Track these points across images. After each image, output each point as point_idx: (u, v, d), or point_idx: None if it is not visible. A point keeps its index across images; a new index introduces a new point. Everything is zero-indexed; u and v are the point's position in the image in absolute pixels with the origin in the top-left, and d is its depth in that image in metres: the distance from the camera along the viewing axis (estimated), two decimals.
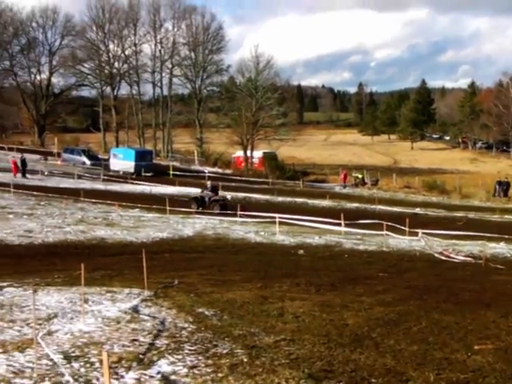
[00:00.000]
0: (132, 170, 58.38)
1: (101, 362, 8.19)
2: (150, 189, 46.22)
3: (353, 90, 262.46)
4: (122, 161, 60.37)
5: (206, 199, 36.50)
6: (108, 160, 64.16)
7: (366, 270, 18.50)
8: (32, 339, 9.42)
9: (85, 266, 11.29)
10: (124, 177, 55.38)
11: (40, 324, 10.25)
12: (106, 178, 53.00)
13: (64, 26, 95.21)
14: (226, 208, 35.49)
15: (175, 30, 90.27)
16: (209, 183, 39.07)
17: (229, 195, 38.44)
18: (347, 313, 11.85)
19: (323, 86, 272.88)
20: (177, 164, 73.30)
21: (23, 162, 51.50)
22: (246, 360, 8.80)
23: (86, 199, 35.58)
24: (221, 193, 38.35)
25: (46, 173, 54.95)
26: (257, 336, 10.15)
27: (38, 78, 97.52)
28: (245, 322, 11.00)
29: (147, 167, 59.86)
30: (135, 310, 11.74)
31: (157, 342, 9.64)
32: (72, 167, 60.64)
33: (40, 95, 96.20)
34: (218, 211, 34.71)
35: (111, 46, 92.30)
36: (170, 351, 9.18)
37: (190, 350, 9.28)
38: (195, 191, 42.40)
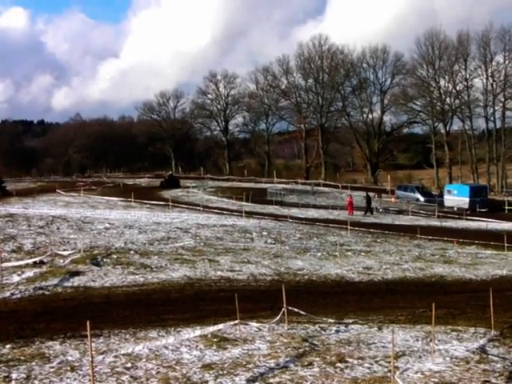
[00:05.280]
0: (467, 206, 57.17)
1: None
2: (485, 225, 44.82)
3: None
4: (456, 197, 59.50)
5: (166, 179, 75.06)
6: (441, 196, 63.69)
7: None
8: (383, 377, 9.68)
9: (426, 304, 11.33)
10: (459, 213, 54.48)
11: (389, 362, 10.44)
12: (440, 214, 52.59)
13: (394, 64, 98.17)
14: (175, 184, 73.50)
15: (507, 62, 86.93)
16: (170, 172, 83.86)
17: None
18: None
19: None
20: None
21: (368, 199, 53.55)
22: None
23: (422, 236, 35.63)
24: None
25: (380, 210, 56.22)
26: None
27: (370, 116, 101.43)
28: None
29: (482, 203, 58.16)
30: (483, 349, 11.48)
31: None
32: (406, 204, 61.26)
33: (372, 134, 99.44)
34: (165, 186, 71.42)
35: (442, 82, 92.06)
36: None
37: None
38: None
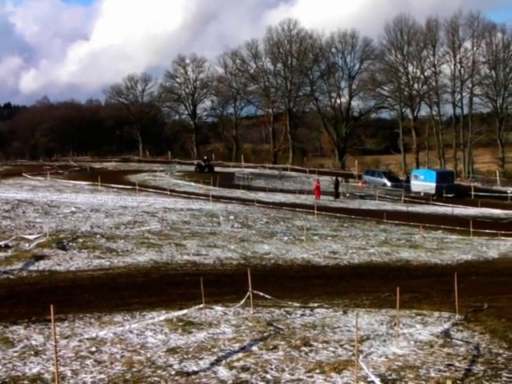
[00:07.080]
0: (433, 192, 57.68)
1: None
2: (451, 210, 45.31)
3: None
4: (423, 182, 60.02)
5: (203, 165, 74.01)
6: (408, 181, 64.19)
7: None
8: (347, 361, 9.73)
9: (391, 289, 11.41)
10: (425, 198, 54.94)
11: (353, 346, 10.49)
12: (407, 199, 53.06)
13: (363, 50, 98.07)
14: (211, 169, 72.56)
15: (474, 48, 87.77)
16: (205, 157, 78.97)
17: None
18: None
19: None
20: (478, 185, 70.93)
21: (336, 183, 54.45)
22: None
23: (389, 221, 35.90)
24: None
25: (347, 195, 56.53)
26: None
27: (338, 101, 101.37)
28: None
29: (448, 188, 58.72)
30: (447, 334, 11.61)
31: (473, 367, 9.44)
32: (373, 189, 61.65)
33: (340, 119, 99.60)
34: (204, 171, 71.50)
35: (410, 68, 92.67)
36: (487, 378, 8.96)
37: (508, 377, 8.96)
38: (498, 212, 45.44)
